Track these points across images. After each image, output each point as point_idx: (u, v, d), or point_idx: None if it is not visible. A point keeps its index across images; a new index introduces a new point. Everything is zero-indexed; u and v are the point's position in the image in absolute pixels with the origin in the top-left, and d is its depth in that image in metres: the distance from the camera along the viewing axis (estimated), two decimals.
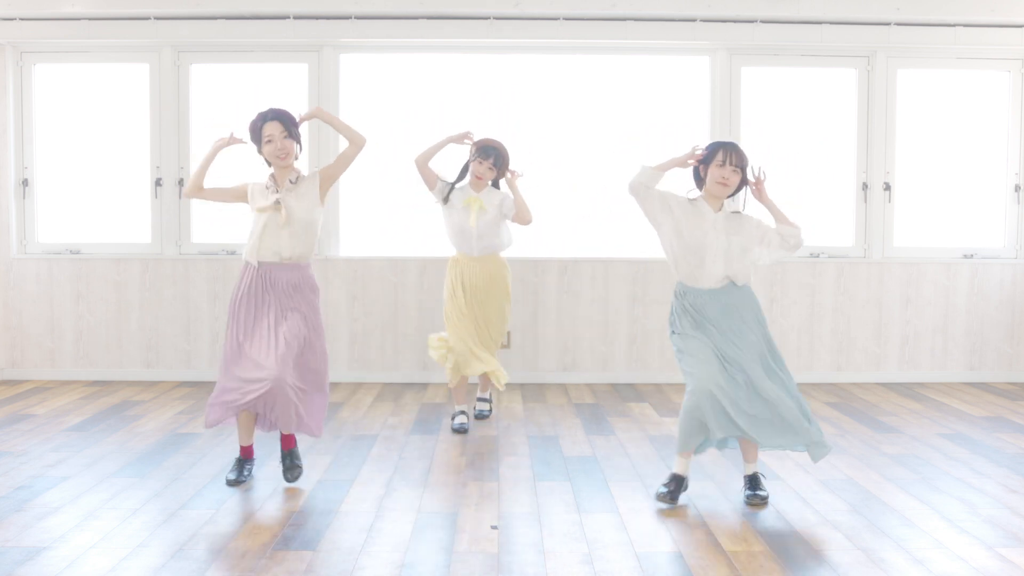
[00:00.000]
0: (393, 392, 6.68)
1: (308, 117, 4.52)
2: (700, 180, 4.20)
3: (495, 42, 6.94)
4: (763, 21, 6.85)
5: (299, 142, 4.42)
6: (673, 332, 4.21)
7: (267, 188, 4.39)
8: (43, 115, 7.13)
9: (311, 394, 4.44)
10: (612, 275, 7.06)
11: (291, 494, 4.28)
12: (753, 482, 4.22)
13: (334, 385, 6.73)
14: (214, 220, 7.03)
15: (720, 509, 4.10)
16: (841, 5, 6.78)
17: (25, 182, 7.09)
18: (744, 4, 6.76)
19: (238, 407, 4.29)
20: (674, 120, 7.12)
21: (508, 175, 5.62)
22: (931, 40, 6.93)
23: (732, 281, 4.14)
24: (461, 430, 5.52)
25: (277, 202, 4.32)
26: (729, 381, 4.04)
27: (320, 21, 6.83)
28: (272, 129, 4.32)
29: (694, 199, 4.18)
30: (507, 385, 6.80)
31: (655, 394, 6.62)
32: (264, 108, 4.41)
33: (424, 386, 6.91)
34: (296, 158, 4.42)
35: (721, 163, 4.08)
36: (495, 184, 5.65)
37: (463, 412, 5.62)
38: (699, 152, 4.17)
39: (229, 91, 7.10)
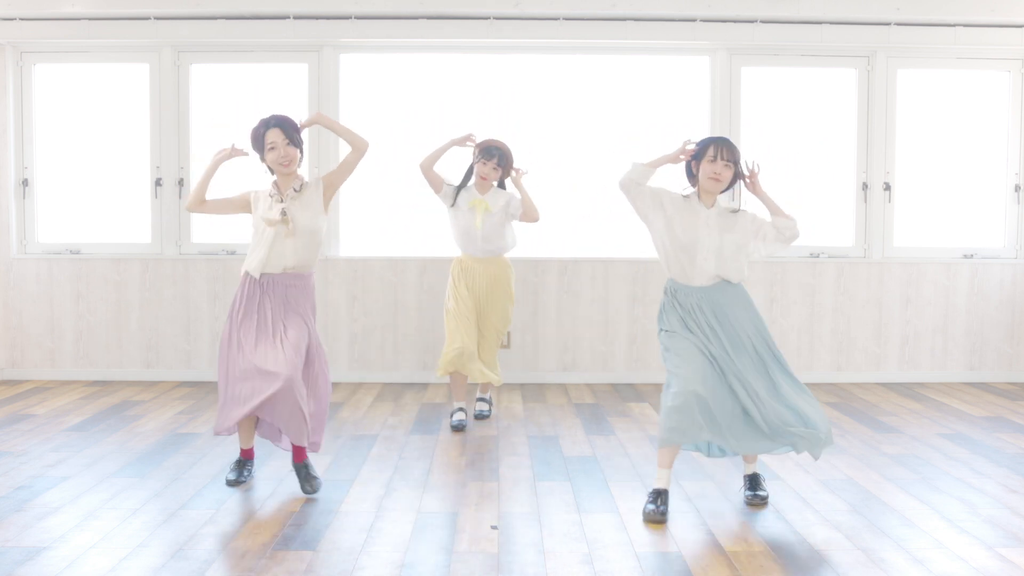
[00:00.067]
0: (393, 392, 6.68)
1: (309, 123, 4.47)
2: (693, 176, 4.16)
3: (495, 42, 6.94)
4: (763, 21, 6.85)
5: (301, 149, 4.36)
6: (662, 330, 4.16)
7: (271, 196, 4.32)
8: (43, 115, 7.13)
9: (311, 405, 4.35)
10: (612, 275, 7.06)
11: (291, 494, 4.28)
12: (753, 482, 4.21)
13: (334, 385, 6.72)
14: (214, 220, 7.02)
15: (720, 509, 4.10)
16: (841, 5, 6.78)
17: (25, 182, 7.09)
18: (744, 4, 6.76)
19: (250, 410, 4.15)
20: (674, 120, 7.12)
21: (513, 174, 5.66)
22: (931, 40, 6.93)
23: (724, 279, 4.10)
24: (459, 427, 5.53)
25: (283, 212, 4.24)
26: (715, 382, 3.97)
27: (320, 21, 6.83)
28: (275, 136, 4.26)
29: (687, 196, 4.15)
30: (507, 385, 6.84)
31: (655, 394, 6.62)
32: (265, 114, 4.35)
33: (424, 386, 6.91)
34: (298, 165, 4.36)
35: (712, 158, 4.05)
36: (500, 184, 5.69)
37: (461, 409, 5.64)
38: (690, 148, 4.15)
39: (229, 91, 7.11)
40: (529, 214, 5.63)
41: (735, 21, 6.85)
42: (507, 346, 6.22)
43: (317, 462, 4.75)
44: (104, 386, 6.80)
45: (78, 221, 7.17)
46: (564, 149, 7.14)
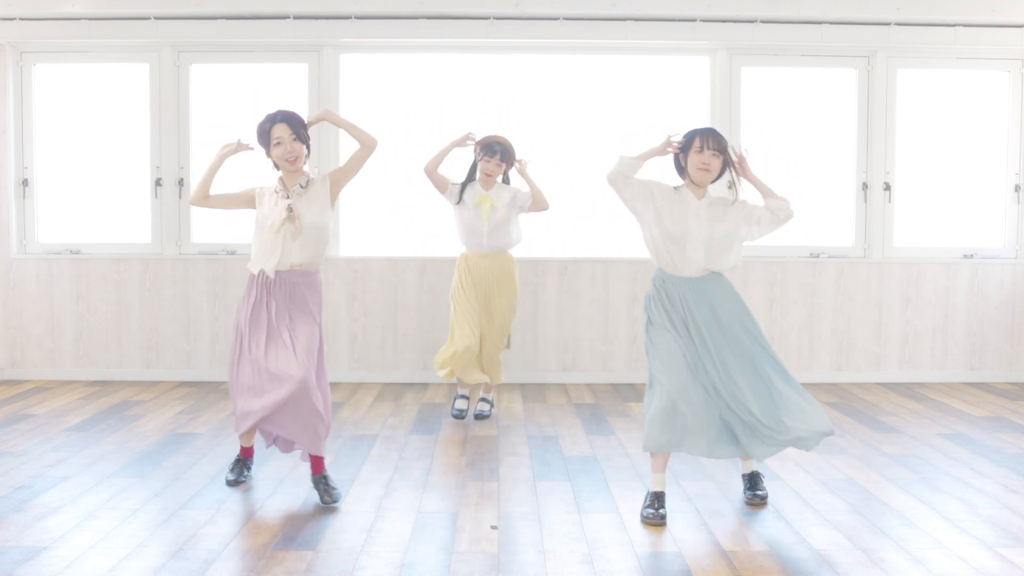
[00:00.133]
0: (393, 392, 6.68)
1: (317, 120, 4.44)
2: (682, 169, 4.15)
3: (495, 42, 6.94)
4: (763, 21, 6.85)
5: (308, 145, 4.29)
6: (648, 321, 4.10)
7: (276, 192, 4.26)
8: (43, 115, 7.13)
9: None
10: (612, 275, 7.06)
11: (291, 494, 4.28)
12: (752, 481, 4.21)
13: (334, 385, 6.73)
14: (214, 220, 7.03)
15: (720, 509, 4.10)
16: (841, 5, 6.78)
17: (25, 182, 7.09)
18: (744, 4, 6.76)
19: (263, 414, 4.10)
20: (674, 120, 7.10)
21: (517, 165, 5.74)
22: (931, 40, 6.93)
23: (713, 271, 4.08)
24: (459, 416, 5.66)
25: (290, 208, 4.19)
26: (696, 392, 3.94)
27: (320, 21, 6.83)
28: (281, 131, 4.19)
29: (678, 187, 4.13)
30: (507, 385, 6.86)
31: None
32: (272, 110, 4.28)
33: (424, 386, 6.91)
34: (305, 162, 4.30)
35: (699, 149, 4.04)
36: (505, 180, 5.77)
37: (465, 397, 5.76)
38: (676, 141, 4.13)
39: (229, 91, 7.11)
40: (539, 203, 5.70)
41: (735, 21, 6.85)
42: (508, 347, 6.21)
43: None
44: (104, 386, 6.80)
45: (78, 221, 7.17)
46: (564, 149, 7.14)
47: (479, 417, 5.83)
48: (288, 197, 4.23)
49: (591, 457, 4.95)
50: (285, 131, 4.19)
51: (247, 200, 4.35)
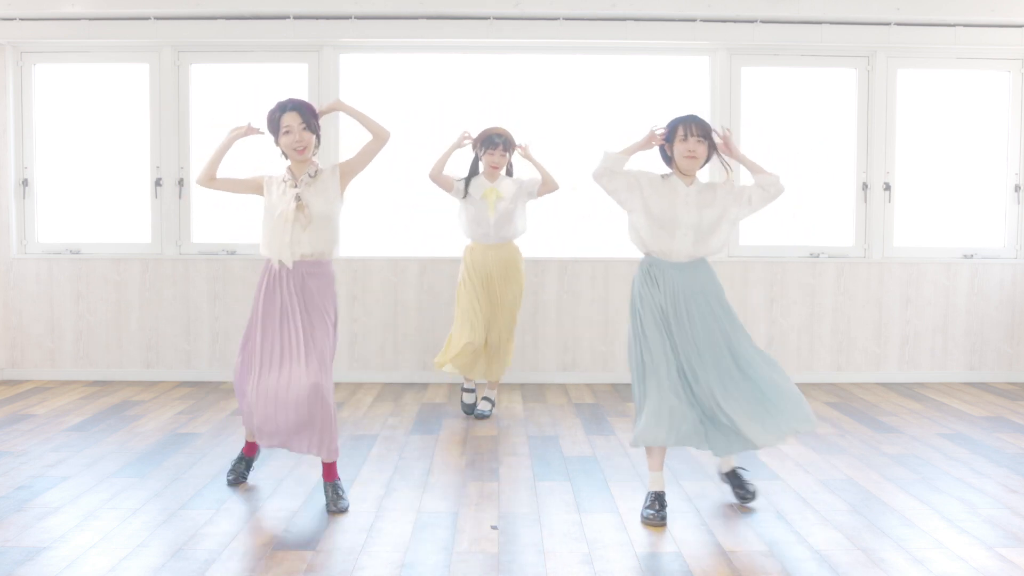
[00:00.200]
0: (393, 392, 6.68)
1: (329, 109, 4.37)
2: (669, 159, 4.16)
3: (495, 42, 6.94)
4: (763, 21, 6.85)
5: (318, 135, 4.23)
6: (634, 311, 4.06)
7: (284, 182, 4.20)
8: (43, 115, 7.13)
9: None
10: (612, 275, 7.06)
11: (291, 494, 4.28)
12: (735, 479, 4.18)
13: (334, 385, 6.72)
14: (214, 220, 7.04)
15: (720, 509, 4.10)
16: (841, 5, 6.78)
17: (25, 182, 7.09)
18: (744, 4, 6.76)
19: (275, 442, 4.07)
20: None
21: (519, 150, 5.85)
22: (931, 40, 6.92)
23: (700, 257, 4.08)
24: (469, 412, 5.82)
25: (298, 197, 4.12)
26: (681, 389, 3.94)
27: (320, 21, 6.83)
28: (291, 120, 4.13)
29: (666, 176, 4.13)
30: (507, 385, 6.85)
31: None
32: (283, 98, 4.22)
33: (424, 386, 6.91)
34: (315, 152, 4.24)
35: (683, 137, 4.05)
36: (508, 170, 5.85)
37: (471, 390, 5.87)
38: (659, 132, 4.14)
39: (229, 91, 7.10)
40: (548, 184, 5.81)
41: (735, 21, 6.85)
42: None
43: (318, 462, 4.74)
44: (104, 386, 6.80)
45: (78, 221, 7.17)
46: (564, 149, 7.13)
47: (480, 417, 5.83)
48: (296, 186, 4.18)
49: (591, 457, 4.95)
50: (295, 120, 4.14)
51: (255, 187, 4.30)
